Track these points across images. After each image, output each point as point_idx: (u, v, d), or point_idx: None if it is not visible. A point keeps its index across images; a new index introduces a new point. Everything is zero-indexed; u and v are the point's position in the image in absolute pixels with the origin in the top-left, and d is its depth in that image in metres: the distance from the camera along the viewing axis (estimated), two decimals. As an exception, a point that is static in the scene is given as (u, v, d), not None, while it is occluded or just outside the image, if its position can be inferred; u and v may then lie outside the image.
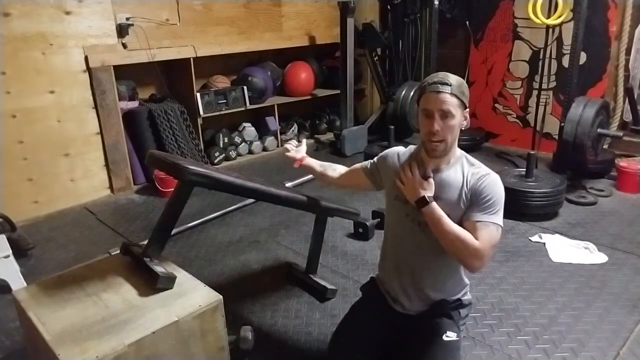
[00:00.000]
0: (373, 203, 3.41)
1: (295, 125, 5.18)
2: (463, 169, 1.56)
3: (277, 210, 3.37)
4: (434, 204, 1.49)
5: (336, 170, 1.93)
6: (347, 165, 1.94)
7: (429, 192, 1.51)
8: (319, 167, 1.97)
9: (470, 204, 1.52)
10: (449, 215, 1.50)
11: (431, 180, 1.54)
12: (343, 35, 4.61)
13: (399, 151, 1.70)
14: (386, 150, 1.75)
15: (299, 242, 3.00)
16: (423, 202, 1.50)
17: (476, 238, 1.47)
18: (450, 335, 1.60)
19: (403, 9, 4.86)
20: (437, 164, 1.57)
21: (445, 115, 1.47)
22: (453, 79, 1.49)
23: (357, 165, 1.86)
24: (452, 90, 1.46)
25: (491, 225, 1.49)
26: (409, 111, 4.60)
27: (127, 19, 3.73)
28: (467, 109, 1.53)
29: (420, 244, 1.60)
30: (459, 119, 1.50)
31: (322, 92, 5.25)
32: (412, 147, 1.70)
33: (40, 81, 3.38)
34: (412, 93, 4.61)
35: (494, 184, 1.52)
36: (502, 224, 1.52)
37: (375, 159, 1.77)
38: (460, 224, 1.52)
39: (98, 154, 3.76)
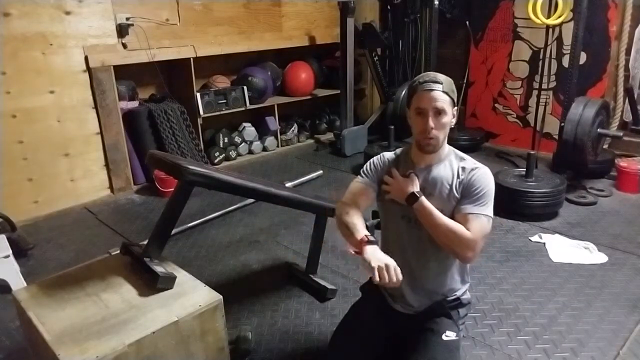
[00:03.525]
0: (373, 203, 3.41)
1: (295, 125, 5.18)
2: (452, 164, 1.58)
3: (277, 210, 3.37)
4: (423, 199, 1.51)
5: (357, 211, 1.59)
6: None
7: (414, 188, 1.53)
8: (363, 226, 1.54)
9: (461, 197, 1.54)
10: (442, 210, 1.52)
11: (413, 176, 1.56)
12: (343, 35, 4.61)
13: (387, 156, 1.71)
14: (374, 158, 1.73)
15: (299, 242, 3.00)
16: (412, 198, 1.52)
17: (468, 229, 1.49)
18: (449, 335, 1.61)
19: (403, 9, 4.86)
20: (428, 161, 1.59)
21: (439, 112, 1.49)
22: (442, 77, 1.52)
23: (357, 184, 1.67)
24: (443, 88, 1.49)
25: (482, 217, 1.51)
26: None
27: (127, 19, 3.73)
28: (456, 107, 1.56)
29: (418, 243, 1.61)
30: (450, 116, 1.53)
31: (322, 92, 5.26)
32: (398, 150, 1.71)
33: (40, 81, 3.38)
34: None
35: (484, 176, 1.55)
36: (492, 215, 1.54)
37: (368, 166, 1.71)
38: (452, 217, 1.54)
39: (98, 154, 3.76)
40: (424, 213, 1.51)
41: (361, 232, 1.47)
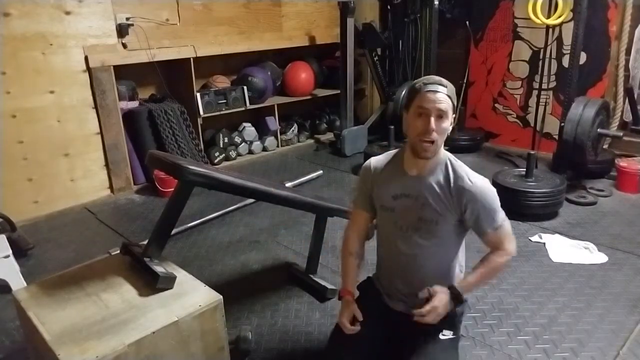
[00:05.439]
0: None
1: (295, 125, 5.18)
2: (448, 173, 1.55)
3: (277, 210, 3.37)
4: (460, 290, 1.54)
5: (357, 244, 1.77)
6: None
7: (449, 307, 1.53)
8: (358, 268, 1.75)
9: (476, 219, 1.54)
10: (441, 215, 1.54)
11: (432, 292, 1.53)
12: (343, 35, 4.61)
13: (377, 160, 1.70)
14: (363, 166, 1.74)
15: (299, 242, 3.00)
16: (456, 300, 1.55)
17: (500, 241, 1.58)
18: (446, 334, 1.61)
19: (403, 9, 4.85)
20: (420, 168, 1.56)
21: (441, 115, 1.48)
22: (446, 81, 1.51)
23: (355, 213, 1.77)
24: (447, 92, 1.49)
25: (503, 223, 1.58)
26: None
27: (127, 19, 3.74)
28: (455, 115, 1.54)
29: (412, 247, 1.61)
30: (449, 122, 1.51)
31: (322, 92, 5.26)
32: (389, 154, 1.70)
33: (40, 81, 3.38)
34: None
35: (485, 193, 1.53)
36: (504, 215, 1.59)
37: (359, 182, 1.74)
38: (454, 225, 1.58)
39: (98, 154, 3.76)
40: (469, 288, 1.59)
41: (346, 283, 1.69)
